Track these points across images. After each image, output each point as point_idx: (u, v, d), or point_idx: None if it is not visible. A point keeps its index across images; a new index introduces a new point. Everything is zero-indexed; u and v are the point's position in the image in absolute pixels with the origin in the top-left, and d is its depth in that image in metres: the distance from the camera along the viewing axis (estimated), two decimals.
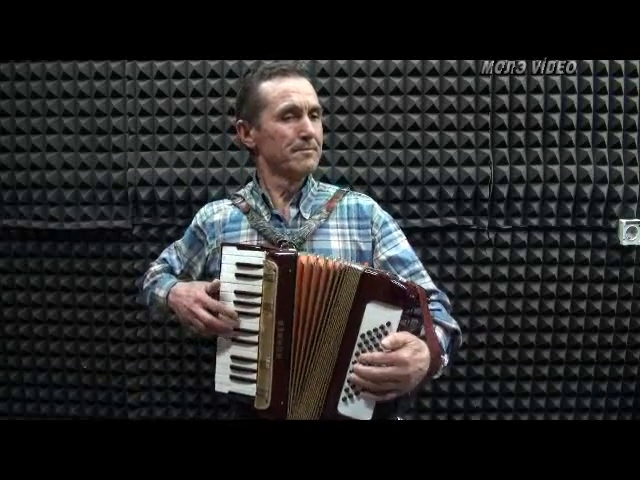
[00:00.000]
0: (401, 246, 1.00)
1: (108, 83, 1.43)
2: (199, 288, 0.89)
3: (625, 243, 1.42)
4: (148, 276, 1.07)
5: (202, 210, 1.07)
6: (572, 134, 1.41)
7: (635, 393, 1.49)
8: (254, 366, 0.86)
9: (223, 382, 0.89)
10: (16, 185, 1.46)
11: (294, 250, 0.87)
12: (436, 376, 0.85)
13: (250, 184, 1.07)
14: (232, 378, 0.88)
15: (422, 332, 0.81)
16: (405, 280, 0.80)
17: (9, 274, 1.52)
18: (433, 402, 1.51)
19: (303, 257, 0.82)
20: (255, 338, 0.85)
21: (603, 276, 1.45)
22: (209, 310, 0.86)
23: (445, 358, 0.87)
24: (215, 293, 0.88)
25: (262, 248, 0.86)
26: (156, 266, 1.09)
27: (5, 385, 1.55)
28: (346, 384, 0.80)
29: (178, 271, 1.07)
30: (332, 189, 1.06)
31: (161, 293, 0.98)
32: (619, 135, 1.41)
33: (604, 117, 1.41)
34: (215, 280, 0.89)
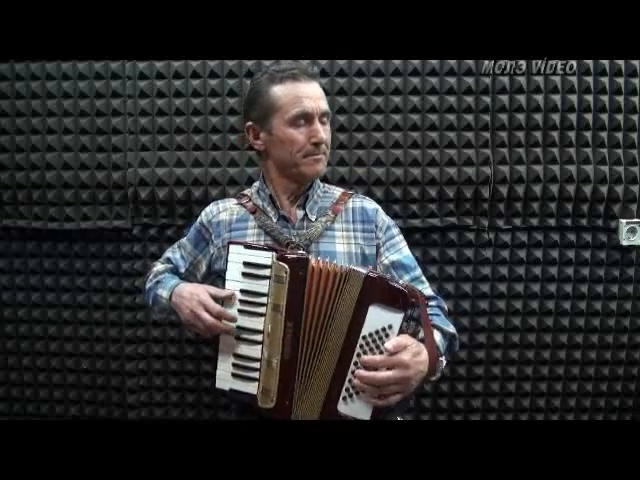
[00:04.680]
0: (404, 251, 1.01)
1: (108, 83, 1.43)
2: (202, 291, 0.89)
3: (625, 243, 1.42)
4: (151, 276, 1.07)
5: (207, 209, 1.07)
6: (572, 134, 1.41)
7: (635, 393, 1.49)
8: (257, 365, 0.86)
9: (224, 379, 0.89)
10: (16, 185, 1.46)
11: (304, 252, 0.88)
12: (434, 378, 0.86)
13: (256, 184, 1.07)
14: (234, 375, 0.88)
15: (420, 335, 0.82)
16: (406, 284, 0.81)
17: (9, 274, 1.52)
18: (433, 402, 1.51)
19: (313, 260, 0.83)
20: (259, 337, 0.86)
21: (603, 276, 1.45)
22: (211, 314, 0.86)
23: (443, 360, 0.88)
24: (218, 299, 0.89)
25: (270, 249, 0.87)
26: (159, 266, 1.09)
27: (5, 385, 1.55)
28: (347, 384, 0.80)
29: (183, 270, 1.07)
30: (337, 191, 1.07)
31: (164, 294, 0.98)
32: (619, 135, 1.41)
33: (604, 117, 1.41)
34: (224, 291, 0.89)
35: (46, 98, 1.44)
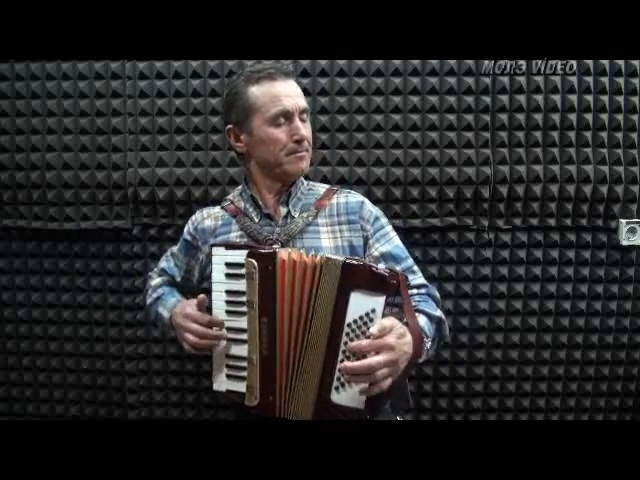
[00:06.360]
0: (394, 241, 1.00)
1: (108, 83, 1.43)
2: (189, 304, 0.91)
3: (625, 243, 1.42)
4: (150, 291, 1.08)
5: (193, 217, 1.08)
6: (572, 134, 1.41)
7: (635, 393, 1.49)
8: (245, 363, 0.87)
9: (220, 381, 0.90)
10: (16, 185, 1.46)
11: (275, 247, 0.89)
12: (420, 360, 0.86)
13: (239, 187, 1.08)
14: (228, 376, 0.89)
15: (405, 319, 0.82)
16: (386, 267, 0.82)
17: (9, 274, 1.52)
18: (433, 402, 1.51)
19: (283, 253, 0.83)
20: (245, 336, 0.87)
21: (603, 276, 1.45)
22: (198, 323, 0.88)
23: (428, 342, 0.87)
24: (207, 306, 0.90)
25: (247, 247, 0.88)
26: (156, 279, 1.09)
27: (5, 385, 1.55)
28: (337, 373, 0.80)
29: (179, 278, 1.07)
30: (322, 188, 1.06)
31: (165, 313, 1.00)
32: (619, 135, 1.41)
33: (604, 117, 1.41)
34: (193, 300, 0.91)
35: (46, 98, 1.44)
